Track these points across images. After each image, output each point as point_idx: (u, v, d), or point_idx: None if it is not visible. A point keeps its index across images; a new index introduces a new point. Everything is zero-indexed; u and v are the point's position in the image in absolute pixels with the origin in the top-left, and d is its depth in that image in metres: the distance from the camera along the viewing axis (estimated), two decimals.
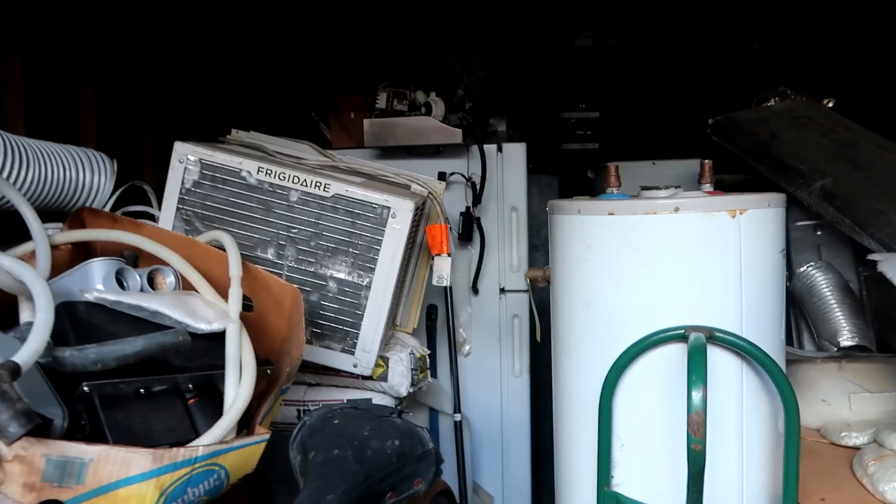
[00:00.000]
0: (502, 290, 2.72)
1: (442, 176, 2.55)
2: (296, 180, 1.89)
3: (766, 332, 1.51)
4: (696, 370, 1.35)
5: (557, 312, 1.67)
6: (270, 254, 1.92)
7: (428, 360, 2.25)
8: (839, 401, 1.97)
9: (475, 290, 2.69)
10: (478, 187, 2.55)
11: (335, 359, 1.97)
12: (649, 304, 1.49)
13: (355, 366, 1.96)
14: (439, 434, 2.71)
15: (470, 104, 3.08)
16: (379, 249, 1.89)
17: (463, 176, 2.57)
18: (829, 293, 2.13)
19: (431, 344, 2.66)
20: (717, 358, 1.44)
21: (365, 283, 1.90)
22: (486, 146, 2.62)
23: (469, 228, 2.59)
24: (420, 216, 2.14)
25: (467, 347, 2.75)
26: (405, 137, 2.51)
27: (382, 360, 2.04)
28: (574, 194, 2.03)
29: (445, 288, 2.61)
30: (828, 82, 3.12)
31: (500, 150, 2.67)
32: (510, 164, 2.68)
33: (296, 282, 1.84)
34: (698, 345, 1.39)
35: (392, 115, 2.59)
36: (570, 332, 1.63)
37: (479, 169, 2.57)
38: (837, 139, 2.35)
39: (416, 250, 2.26)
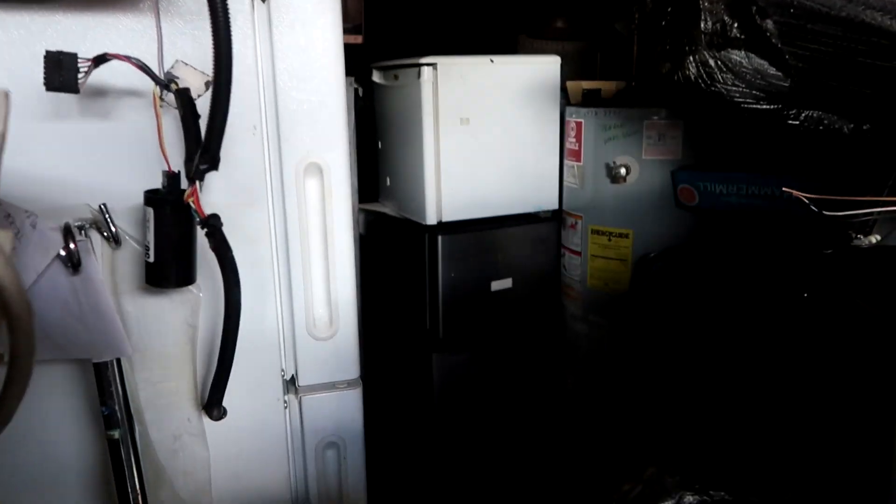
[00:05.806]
0: (292, 385, 1.01)
1: (52, 79, 0.72)
2: None
3: None
4: None
5: None
6: None
7: None
8: None
9: (213, 410, 0.94)
10: (195, 123, 0.76)
11: None
12: None
13: None
14: None
15: None
16: None
17: (146, 72, 0.76)
18: None
19: None
20: None
21: None
22: None
23: (180, 249, 0.81)
24: None
25: None
26: None
27: None
28: None
29: None
30: None
31: None
32: (301, 28, 0.90)
33: None
34: None
35: None
36: None
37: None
38: None
39: None
